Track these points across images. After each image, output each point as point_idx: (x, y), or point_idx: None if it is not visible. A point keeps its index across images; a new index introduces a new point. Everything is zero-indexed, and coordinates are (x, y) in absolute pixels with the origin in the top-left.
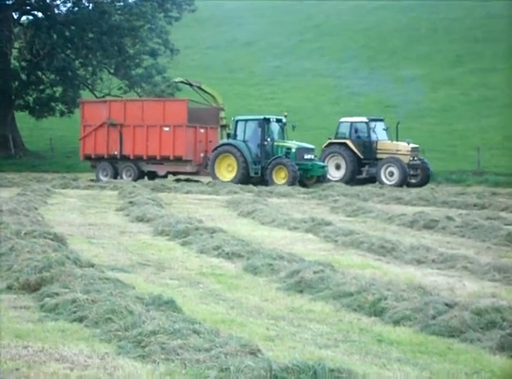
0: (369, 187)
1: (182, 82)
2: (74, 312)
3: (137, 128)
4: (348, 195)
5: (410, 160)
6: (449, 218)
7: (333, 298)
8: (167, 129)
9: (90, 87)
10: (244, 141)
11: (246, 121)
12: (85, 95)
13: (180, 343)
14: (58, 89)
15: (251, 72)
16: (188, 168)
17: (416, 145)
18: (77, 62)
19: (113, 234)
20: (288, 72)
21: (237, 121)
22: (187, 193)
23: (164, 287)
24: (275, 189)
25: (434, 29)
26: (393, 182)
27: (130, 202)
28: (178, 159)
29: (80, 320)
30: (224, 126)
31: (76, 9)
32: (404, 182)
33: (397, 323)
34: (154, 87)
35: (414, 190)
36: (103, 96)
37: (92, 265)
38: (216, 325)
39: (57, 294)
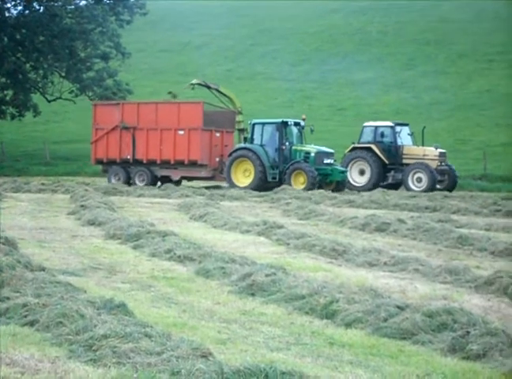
0: (319, 191)
1: (199, 84)
2: (25, 316)
3: (150, 131)
4: (300, 198)
5: (438, 165)
6: (401, 221)
7: (285, 301)
8: (181, 132)
9: (41, 90)
10: (261, 145)
11: (263, 124)
12: (36, 98)
13: (131, 346)
14: (9, 92)
15: (204, 75)
16: (203, 173)
17: (444, 150)
18: (27, 65)
19: (64, 238)
20: (240, 75)
21: (254, 125)
22: (139, 196)
23: (116, 291)
24: (227, 191)
25: (386, 32)
26: (421, 188)
27: (82, 206)
28: (193, 164)
29: (31, 324)
30: (241, 130)
31: (27, 12)
32: (432, 188)
33: (348, 325)
34: (105, 90)
35: (366, 193)
36: (54, 100)
37: (43, 269)
38: (168, 329)
39: (8, 298)
